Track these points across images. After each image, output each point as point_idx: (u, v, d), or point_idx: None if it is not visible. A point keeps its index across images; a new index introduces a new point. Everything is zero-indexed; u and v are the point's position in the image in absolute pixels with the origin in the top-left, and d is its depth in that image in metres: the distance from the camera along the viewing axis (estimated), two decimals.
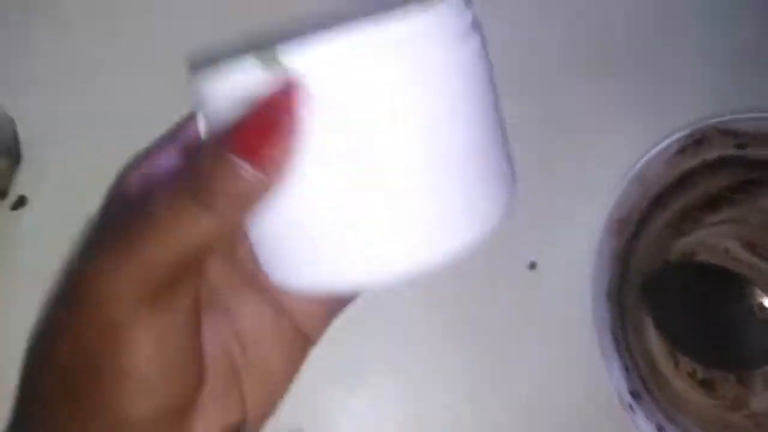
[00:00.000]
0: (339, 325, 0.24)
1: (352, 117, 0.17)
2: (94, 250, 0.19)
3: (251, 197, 0.17)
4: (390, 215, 0.18)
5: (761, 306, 0.34)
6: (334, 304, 0.24)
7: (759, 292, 0.34)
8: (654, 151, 0.32)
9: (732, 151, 0.33)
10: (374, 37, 0.17)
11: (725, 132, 0.33)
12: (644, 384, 0.32)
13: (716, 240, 0.36)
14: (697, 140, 0.33)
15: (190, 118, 0.22)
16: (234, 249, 0.22)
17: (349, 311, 0.24)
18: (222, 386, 0.21)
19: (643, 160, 0.32)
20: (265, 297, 0.22)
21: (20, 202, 0.36)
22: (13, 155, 0.36)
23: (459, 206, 0.18)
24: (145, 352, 0.17)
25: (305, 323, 0.23)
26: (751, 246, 0.36)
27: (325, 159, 0.17)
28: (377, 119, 0.17)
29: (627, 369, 0.31)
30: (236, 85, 0.17)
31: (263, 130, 0.16)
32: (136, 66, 0.37)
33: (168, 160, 0.22)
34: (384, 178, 0.17)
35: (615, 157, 0.33)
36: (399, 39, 0.17)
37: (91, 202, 0.34)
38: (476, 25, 0.20)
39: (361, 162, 0.17)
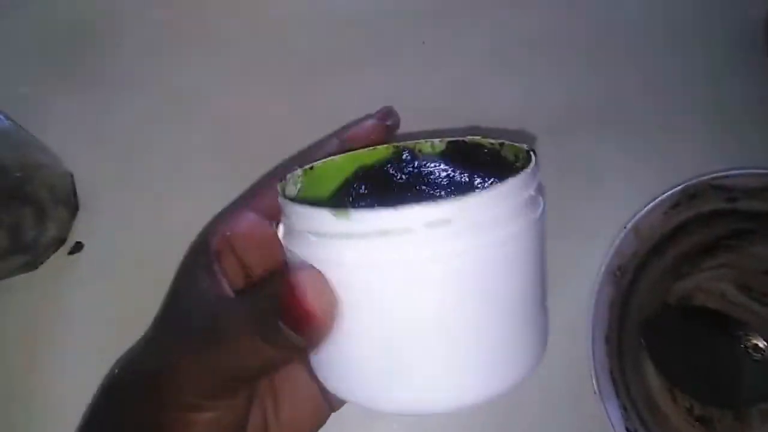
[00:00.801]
0: None
1: (423, 279, 0.20)
2: (174, 345, 0.23)
3: (303, 347, 0.21)
4: (449, 362, 0.21)
5: (756, 347, 0.37)
6: None
7: (753, 333, 0.37)
8: (650, 205, 0.35)
9: (724, 205, 0.36)
10: (450, 212, 0.20)
11: (717, 187, 0.35)
12: (642, 422, 0.34)
13: (713, 284, 0.38)
14: (691, 195, 0.35)
15: (265, 185, 0.27)
16: None
17: None
18: None
19: (640, 214, 0.35)
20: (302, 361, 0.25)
21: (77, 247, 0.40)
22: (72, 205, 0.40)
23: (506, 354, 0.22)
24: (201, 428, 0.21)
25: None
26: (745, 289, 0.38)
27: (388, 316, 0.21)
28: (446, 282, 0.20)
29: (625, 408, 0.33)
30: (311, 220, 0.21)
31: (303, 313, 0.20)
32: (182, 123, 0.41)
33: (247, 221, 0.26)
34: (447, 330, 0.20)
35: (614, 209, 0.36)
36: (474, 218, 0.20)
37: (140, 248, 0.38)
38: (541, 189, 0.23)
39: (425, 316, 0.20)
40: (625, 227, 0.35)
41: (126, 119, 0.41)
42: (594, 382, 0.33)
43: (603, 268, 0.34)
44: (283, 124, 0.40)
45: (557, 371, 0.36)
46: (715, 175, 0.35)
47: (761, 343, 0.36)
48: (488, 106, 0.40)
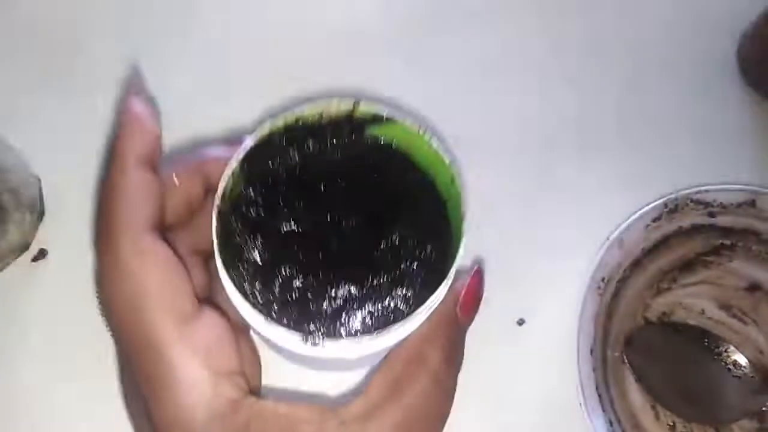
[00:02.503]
0: None
1: None
2: None
3: None
4: None
5: (736, 363, 0.37)
6: None
7: (733, 349, 0.37)
8: (632, 219, 0.35)
9: (704, 219, 0.36)
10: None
11: (697, 202, 0.36)
12: None
13: (692, 300, 0.38)
14: (671, 209, 0.35)
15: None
16: None
17: None
18: None
19: (622, 227, 0.35)
20: None
21: (41, 254, 0.38)
22: (37, 211, 0.38)
23: None
24: None
25: None
26: (725, 307, 0.38)
27: None
28: None
29: (611, 423, 0.33)
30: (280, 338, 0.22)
31: None
32: None
33: None
34: None
35: (597, 223, 0.36)
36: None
37: None
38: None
39: None
40: (608, 239, 0.35)
41: (97, 123, 0.40)
42: (580, 396, 0.33)
43: (587, 280, 0.34)
44: None
45: (546, 385, 0.35)
46: (695, 189, 0.35)
47: (742, 360, 0.36)
48: (468, 121, 0.40)
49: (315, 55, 0.42)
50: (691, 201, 0.35)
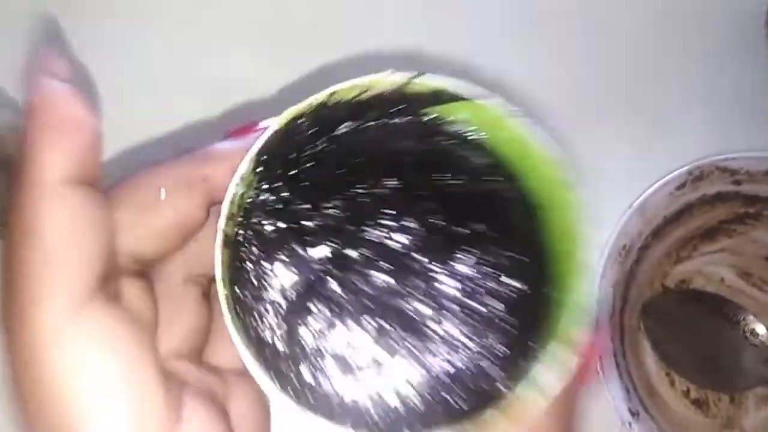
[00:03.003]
0: None
1: None
2: None
3: None
4: None
5: (753, 331, 0.37)
6: None
7: (751, 318, 0.37)
8: (656, 186, 0.34)
9: (729, 187, 0.35)
10: None
11: (723, 169, 0.35)
12: (642, 404, 0.34)
13: (712, 269, 0.38)
14: (697, 177, 0.35)
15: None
16: None
17: None
18: None
19: (645, 194, 0.34)
20: None
21: None
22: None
23: None
24: None
25: None
26: (745, 275, 0.38)
27: None
28: None
29: (627, 390, 0.33)
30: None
31: None
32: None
33: None
34: None
35: (619, 191, 0.35)
36: None
37: None
38: None
39: None
40: (630, 206, 0.34)
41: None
42: (597, 363, 0.33)
43: (608, 248, 0.34)
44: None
45: None
46: (722, 156, 0.34)
47: (760, 329, 0.36)
48: (490, 85, 0.39)
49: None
50: (717, 168, 0.35)
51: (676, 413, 0.36)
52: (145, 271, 0.18)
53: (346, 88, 0.18)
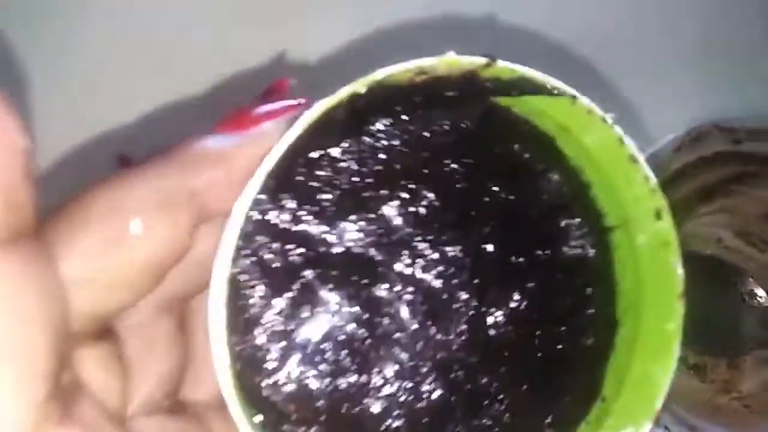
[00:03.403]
0: None
1: None
2: None
3: None
4: None
5: (752, 293, 0.36)
6: None
7: (750, 280, 0.36)
8: (651, 150, 0.33)
9: (728, 147, 0.34)
10: None
11: (722, 129, 0.33)
12: None
13: (709, 230, 0.37)
14: (694, 138, 0.33)
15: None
16: None
17: None
18: None
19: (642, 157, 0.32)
20: None
21: None
22: None
23: None
24: None
25: None
26: (743, 235, 0.37)
27: None
28: None
29: None
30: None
31: None
32: None
33: None
34: None
35: None
36: None
37: None
38: None
39: None
40: None
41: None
42: None
43: None
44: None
45: None
46: (722, 117, 0.32)
47: (758, 290, 0.35)
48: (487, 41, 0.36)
49: None
50: (717, 128, 0.33)
51: (673, 380, 0.36)
52: (106, 325, 0.14)
53: (399, 72, 0.14)
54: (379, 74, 0.14)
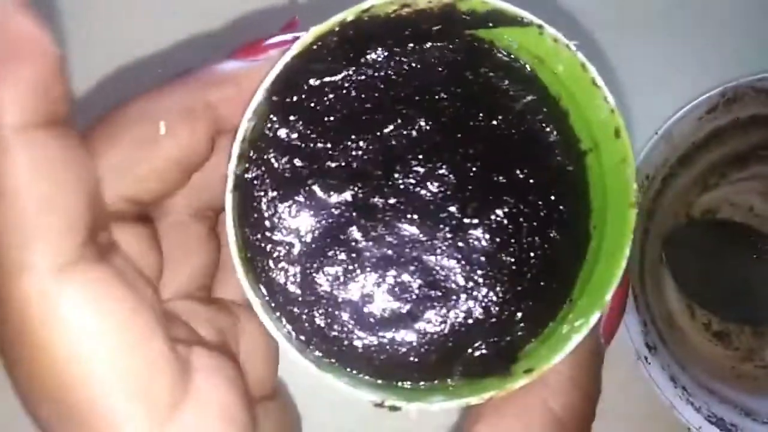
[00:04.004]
0: None
1: None
2: None
3: None
4: None
5: None
6: None
7: None
8: (684, 110, 0.32)
9: (764, 110, 0.33)
10: None
11: (760, 90, 0.32)
12: (661, 338, 0.33)
13: (742, 197, 0.36)
14: (729, 99, 0.32)
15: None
16: None
17: None
18: None
19: (672, 120, 0.32)
20: None
21: None
22: None
23: None
24: None
25: None
26: None
27: None
28: None
29: (645, 324, 0.32)
30: None
31: None
32: None
33: None
34: None
35: (643, 116, 0.33)
36: None
37: None
38: None
39: None
40: (655, 133, 0.32)
41: None
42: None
43: None
44: None
45: None
46: (758, 76, 0.31)
47: None
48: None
49: None
50: (753, 90, 0.32)
51: (695, 346, 0.36)
52: (145, 212, 0.17)
53: (382, 3, 0.16)
54: (366, 4, 0.16)
